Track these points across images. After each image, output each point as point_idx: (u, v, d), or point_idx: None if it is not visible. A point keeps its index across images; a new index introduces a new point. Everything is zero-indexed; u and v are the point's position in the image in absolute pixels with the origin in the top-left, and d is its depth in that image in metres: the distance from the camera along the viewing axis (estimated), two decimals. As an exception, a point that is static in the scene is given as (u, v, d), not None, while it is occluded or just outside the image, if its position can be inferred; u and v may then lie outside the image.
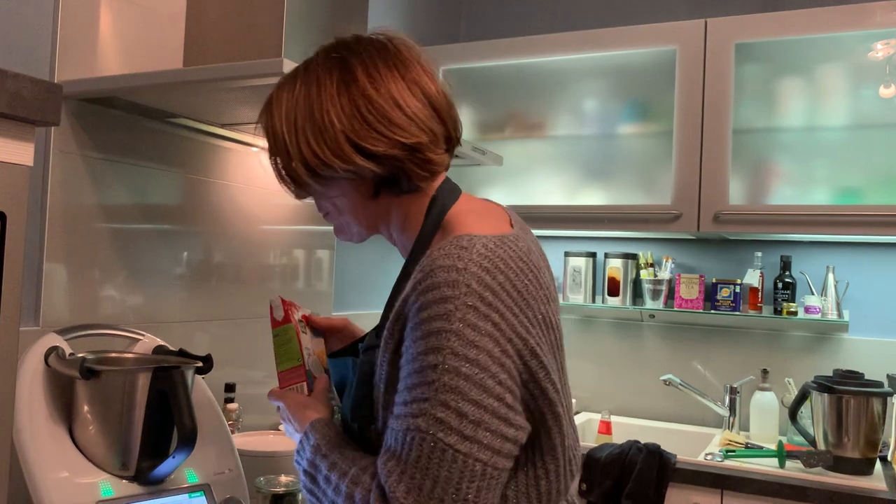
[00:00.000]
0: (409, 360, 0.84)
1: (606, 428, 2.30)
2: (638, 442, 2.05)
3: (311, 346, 1.12)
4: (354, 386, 0.93)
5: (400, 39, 0.98)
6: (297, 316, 1.12)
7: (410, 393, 0.83)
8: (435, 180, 0.98)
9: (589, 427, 2.50)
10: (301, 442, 0.98)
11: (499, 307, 0.84)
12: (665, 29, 2.29)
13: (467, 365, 0.81)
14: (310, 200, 1.06)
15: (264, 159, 1.01)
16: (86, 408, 1.20)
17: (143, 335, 1.43)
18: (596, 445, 2.11)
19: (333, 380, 1.07)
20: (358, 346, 0.98)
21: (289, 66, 1.29)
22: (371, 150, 0.90)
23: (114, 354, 1.35)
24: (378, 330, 0.94)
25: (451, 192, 0.99)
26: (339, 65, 0.94)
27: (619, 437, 2.22)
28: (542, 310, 0.89)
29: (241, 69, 1.33)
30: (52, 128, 1.42)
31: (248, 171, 1.93)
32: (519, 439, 0.85)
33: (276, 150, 0.96)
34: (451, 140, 0.98)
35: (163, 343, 1.42)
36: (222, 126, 1.73)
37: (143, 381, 1.19)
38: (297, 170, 0.94)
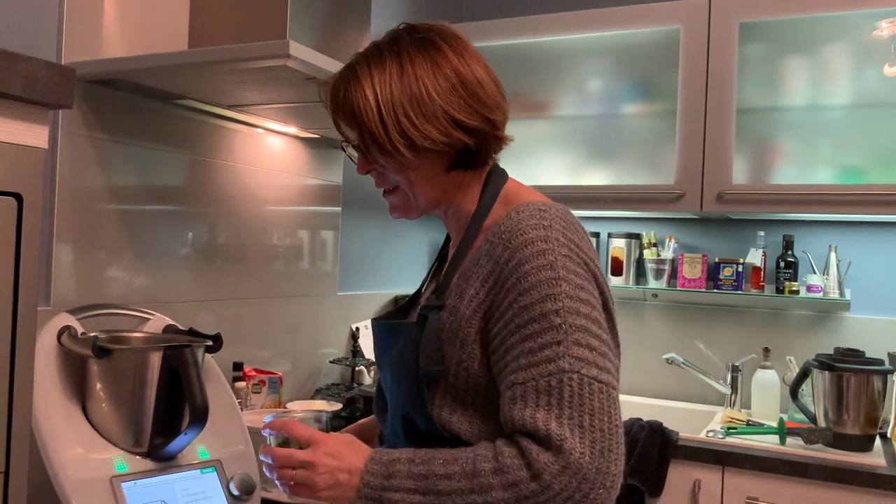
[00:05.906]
0: (517, 314, 0.89)
1: (609, 406, 2.32)
2: (640, 419, 2.07)
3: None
4: (423, 342, 0.96)
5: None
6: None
7: (535, 341, 0.88)
8: (492, 160, 1.07)
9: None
10: (369, 473, 0.91)
11: (584, 259, 0.93)
12: (669, 8, 2.29)
13: (583, 305, 0.89)
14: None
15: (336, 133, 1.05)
16: (98, 386, 1.22)
17: (152, 314, 1.45)
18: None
19: (376, 341, 1.09)
20: (407, 311, 1.03)
21: (294, 48, 1.30)
22: (467, 123, 0.97)
23: (125, 334, 1.37)
24: (438, 292, 1.00)
25: (501, 173, 1.07)
26: (428, 44, 0.99)
27: (622, 415, 2.25)
28: (601, 272, 0.99)
29: (246, 51, 1.33)
30: (61, 110, 1.43)
31: (254, 153, 1.94)
32: None
33: (366, 123, 0.97)
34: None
35: (172, 322, 1.44)
36: (228, 108, 1.74)
37: (154, 360, 1.21)
38: (395, 141, 0.96)
